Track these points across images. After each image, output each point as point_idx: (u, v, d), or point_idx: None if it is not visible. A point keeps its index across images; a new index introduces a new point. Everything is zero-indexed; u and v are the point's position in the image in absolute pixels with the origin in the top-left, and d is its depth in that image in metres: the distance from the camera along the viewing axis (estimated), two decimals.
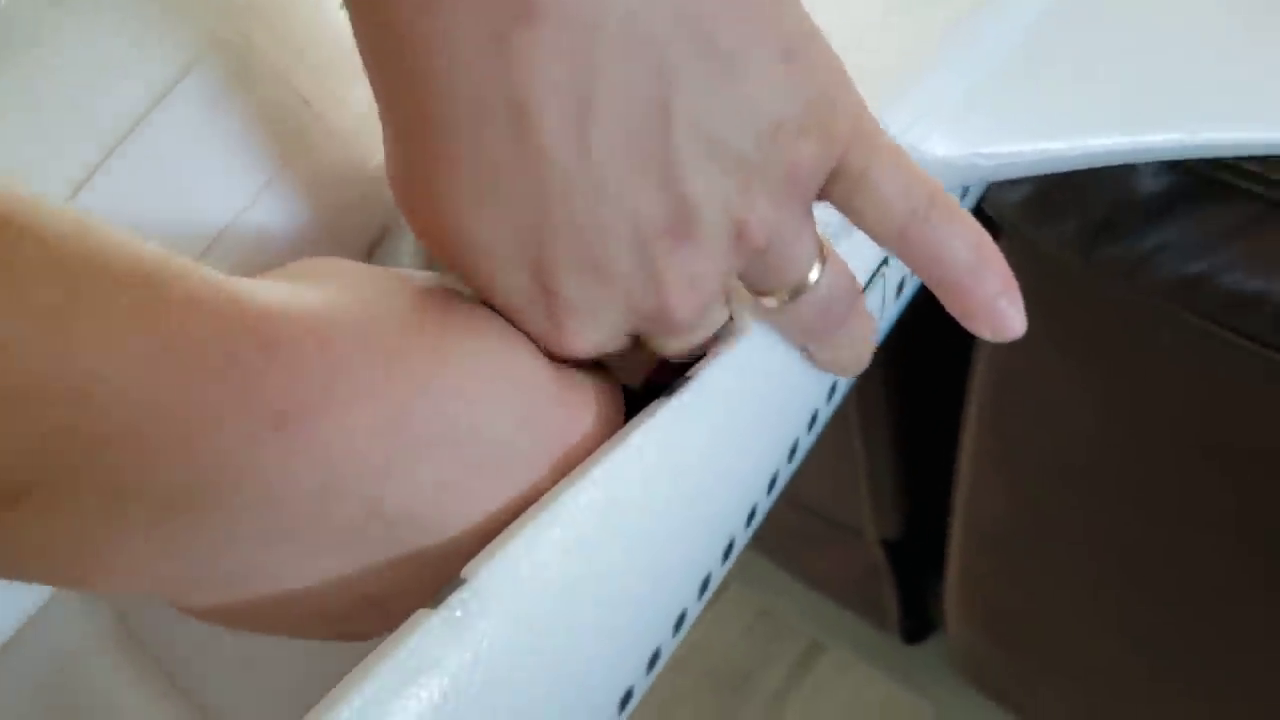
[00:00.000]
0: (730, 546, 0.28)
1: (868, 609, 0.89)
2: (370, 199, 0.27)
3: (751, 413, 0.26)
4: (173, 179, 0.22)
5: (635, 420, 0.24)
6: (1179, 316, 0.43)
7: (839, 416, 0.65)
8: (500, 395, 0.21)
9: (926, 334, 0.46)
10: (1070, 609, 0.63)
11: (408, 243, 0.27)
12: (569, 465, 0.22)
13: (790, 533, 0.88)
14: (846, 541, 0.80)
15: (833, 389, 0.30)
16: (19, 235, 0.15)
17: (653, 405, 0.24)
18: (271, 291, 0.18)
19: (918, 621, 0.88)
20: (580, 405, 0.22)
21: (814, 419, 0.30)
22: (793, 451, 0.29)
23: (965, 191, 0.34)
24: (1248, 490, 0.48)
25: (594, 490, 0.22)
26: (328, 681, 0.22)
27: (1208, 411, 0.47)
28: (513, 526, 0.22)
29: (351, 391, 0.18)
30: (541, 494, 0.22)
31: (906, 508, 0.74)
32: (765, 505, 0.29)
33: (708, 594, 0.28)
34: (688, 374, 0.25)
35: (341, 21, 0.23)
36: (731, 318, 0.26)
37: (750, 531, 0.29)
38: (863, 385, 0.63)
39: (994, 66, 0.28)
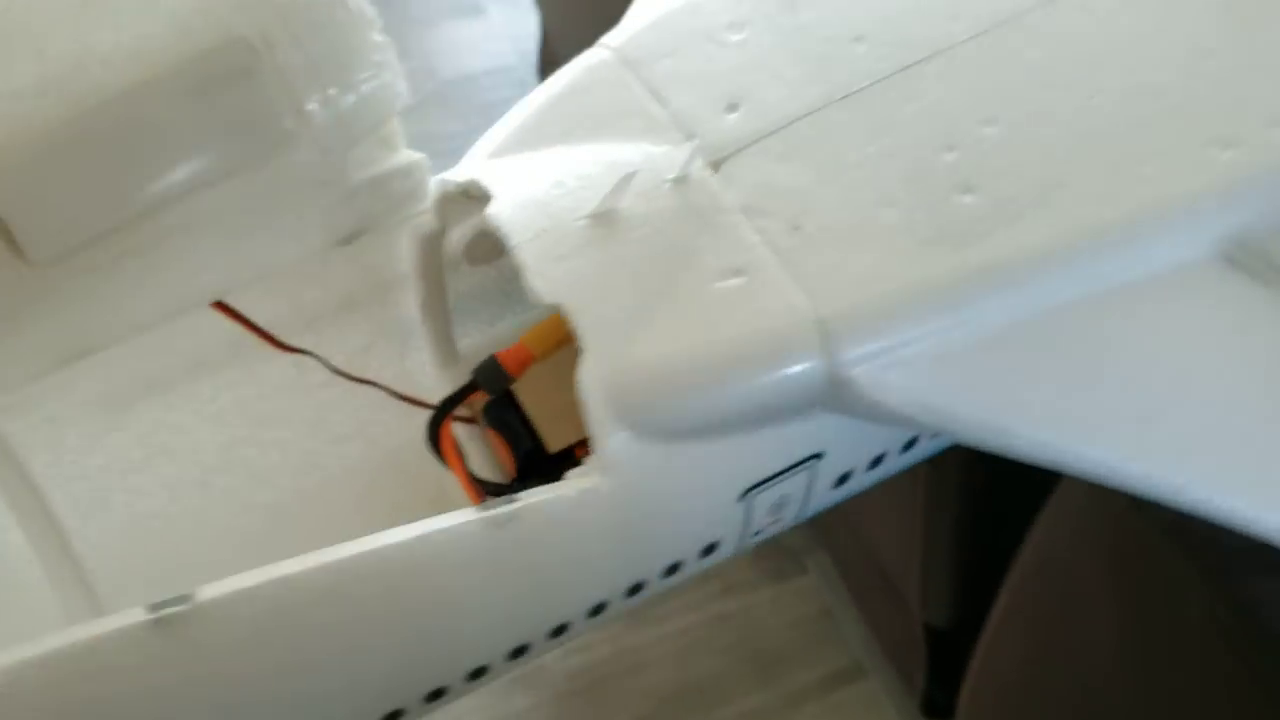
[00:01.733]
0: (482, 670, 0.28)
1: (901, 667, 0.88)
2: (347, 204, 0.27)
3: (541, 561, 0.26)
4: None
5: (429, 522, 0.24)
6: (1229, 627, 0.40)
7: (907, 500, 0.63)
8: None
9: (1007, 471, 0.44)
10: None
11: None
12: None
13: (858, 568, 0.86)
14: (897, 604, 0.79)
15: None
16: None
17: (455, 515, 0.25)
18: None
19: (942, 702, 0.86)
20: None
21: (600, 607, 0.29)
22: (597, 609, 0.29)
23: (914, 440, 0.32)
24: None
25: (325, 575, 0.23)
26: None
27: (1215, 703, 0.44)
28: (255, 573, 0.23)
29: None
30: None
31: (956, 603, 0.71)
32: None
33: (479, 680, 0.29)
34: (514, 495, 0.25)
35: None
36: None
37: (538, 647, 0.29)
38: (935, 481, 0.60)
39: (979, 335, 0.26)
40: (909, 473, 0.62)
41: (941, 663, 0.80)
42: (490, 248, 0.31)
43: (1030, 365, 0.27)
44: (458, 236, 0.32)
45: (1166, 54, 0.29)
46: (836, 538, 0.91)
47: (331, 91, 0.25)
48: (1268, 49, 0.29)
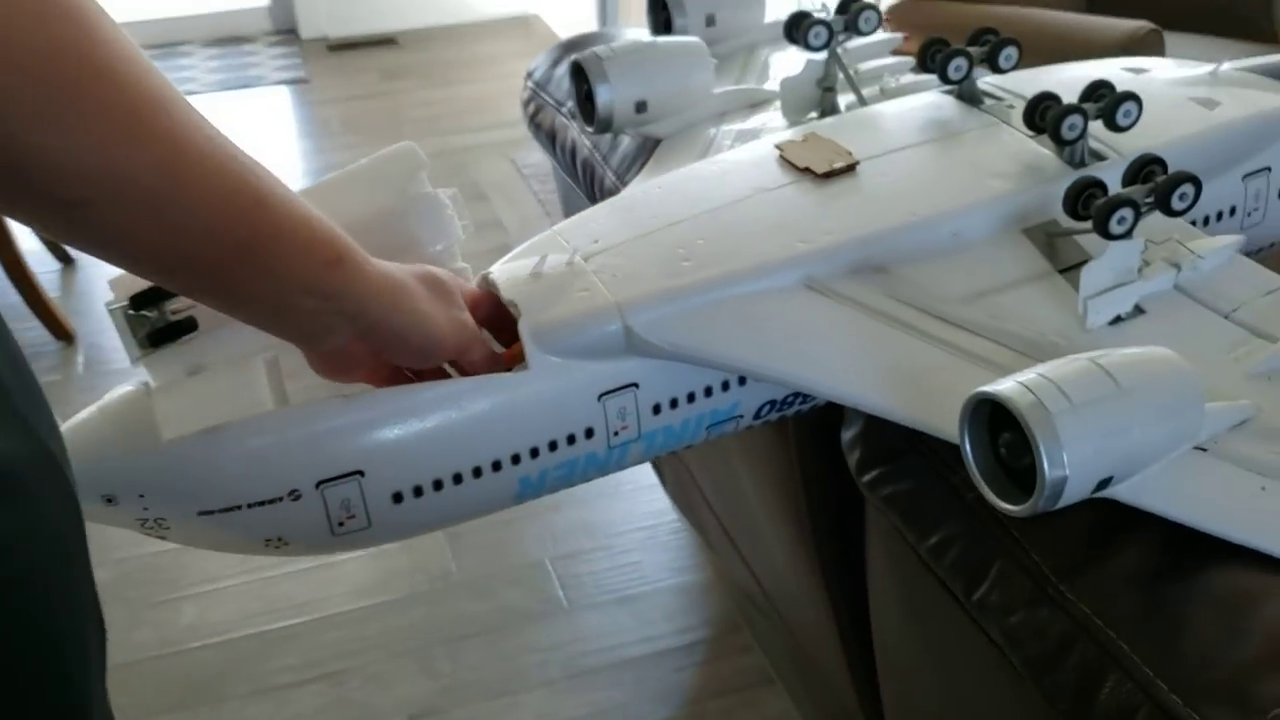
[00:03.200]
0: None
1: None
2: None
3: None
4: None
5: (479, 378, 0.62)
6: None
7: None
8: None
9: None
10: None
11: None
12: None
13: None
14: None
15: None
16: None
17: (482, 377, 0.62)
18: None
19: None
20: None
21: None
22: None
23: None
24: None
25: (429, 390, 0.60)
26: None
27: None
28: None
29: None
30: None
31: None
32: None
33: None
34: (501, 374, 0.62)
35: None
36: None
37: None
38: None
39: (693, 309, 0.63)
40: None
41: None
42: None
43: (717, 322, 0.63)
44: None
45: (789, 211, 0.68)
46: None
47: (429, 228, 0.65)
48: (834, 209, 0.68)
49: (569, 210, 1.29)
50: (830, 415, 0.76)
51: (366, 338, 0.58)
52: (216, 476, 0.59)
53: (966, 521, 0.65)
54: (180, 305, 0.61)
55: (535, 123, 1.23)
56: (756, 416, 0.70)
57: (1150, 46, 2.01)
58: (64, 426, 0.61)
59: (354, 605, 1.54)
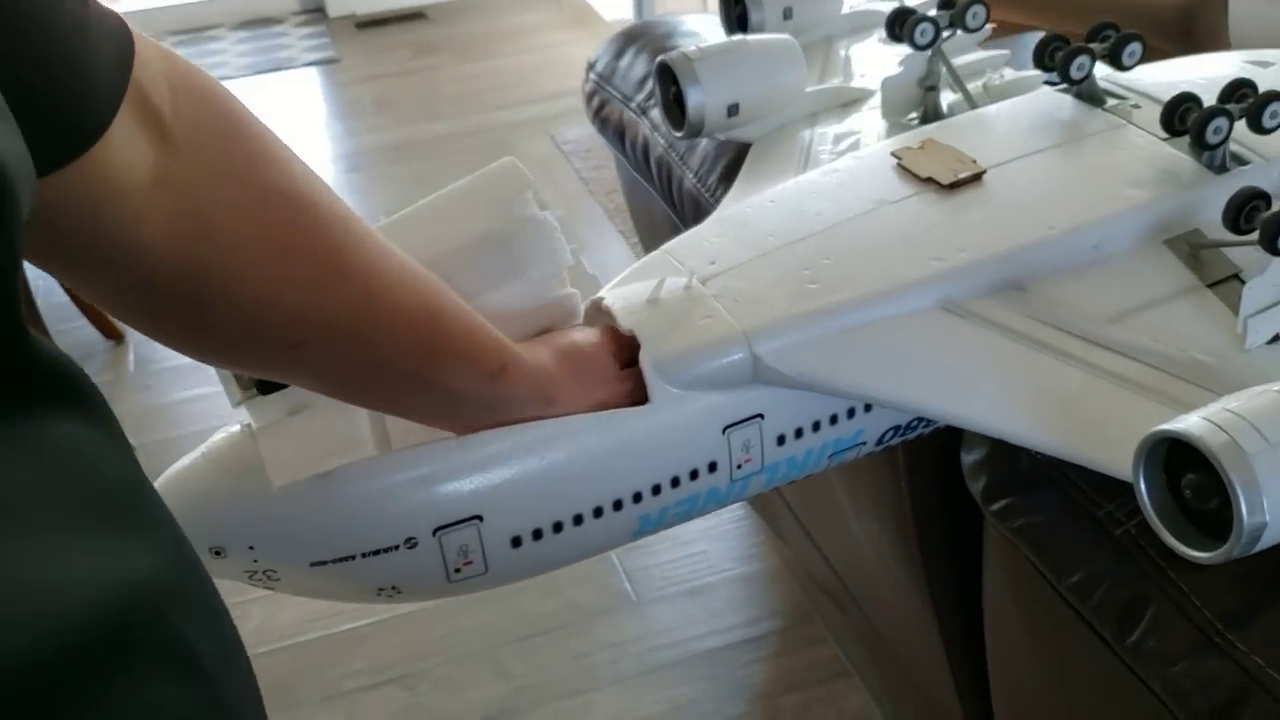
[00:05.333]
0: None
1: None
2: (547, 311, 0.63)
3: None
4: None
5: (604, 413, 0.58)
6: None
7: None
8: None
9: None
10: None
11: None
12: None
13: None
14: None
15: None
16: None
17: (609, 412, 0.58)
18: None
19: None
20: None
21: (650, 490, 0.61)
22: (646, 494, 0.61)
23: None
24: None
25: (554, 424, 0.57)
26: None
27: None
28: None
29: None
30: None
31: None
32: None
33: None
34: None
35: None
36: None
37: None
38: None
39: (820, 336, 0.59)
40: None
41: None
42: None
43: (852, 349, 0.60)
44: None
45: (918, 226, 0.64)
46: None
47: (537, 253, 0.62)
48: (966, 222, 0.64)
49: (635, 207, 1.25)
50: (940, 430, 0.72)
51: None
52: (330, 525, 0.56)
53: (1114, 559, 0.61)
54: None
55: (600, 117, 1.19)
56: (879, 443, 0.67)
57: (1212, 8, 1.94)
58: (167, 473, 0.58)
59: (420, 606, 1.52)
